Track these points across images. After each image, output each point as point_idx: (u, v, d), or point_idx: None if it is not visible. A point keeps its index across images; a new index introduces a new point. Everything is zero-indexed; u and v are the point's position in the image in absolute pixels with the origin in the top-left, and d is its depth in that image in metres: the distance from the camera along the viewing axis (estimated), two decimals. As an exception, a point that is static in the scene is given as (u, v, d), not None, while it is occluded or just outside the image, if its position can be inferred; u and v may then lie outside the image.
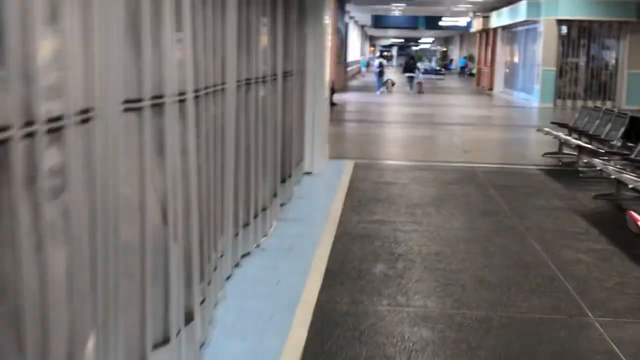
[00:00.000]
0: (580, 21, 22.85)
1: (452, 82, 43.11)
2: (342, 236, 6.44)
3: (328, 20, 9.92)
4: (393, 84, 30.44)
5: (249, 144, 5.65)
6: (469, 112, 21.32)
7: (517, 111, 22.34)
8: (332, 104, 21.55)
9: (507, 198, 8.30)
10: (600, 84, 23.43)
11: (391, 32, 64.06)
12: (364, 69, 52.32)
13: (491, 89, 32.30)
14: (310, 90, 9.22)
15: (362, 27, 55.68)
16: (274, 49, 6.64)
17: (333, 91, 22.16)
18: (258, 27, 5.73)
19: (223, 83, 4.66)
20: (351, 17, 42.50)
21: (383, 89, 29.40)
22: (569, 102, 23.34)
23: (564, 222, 7.26)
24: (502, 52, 30.93)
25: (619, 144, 9.71)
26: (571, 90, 23.57)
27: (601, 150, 9.71)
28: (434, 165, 10.68)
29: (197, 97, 3.90)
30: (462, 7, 34.41)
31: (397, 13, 37.60)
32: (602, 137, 10.13)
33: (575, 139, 11.11)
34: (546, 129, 12.02)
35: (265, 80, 6.11)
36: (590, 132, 10.65)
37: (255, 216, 5.89)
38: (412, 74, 29.98)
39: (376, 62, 34.35)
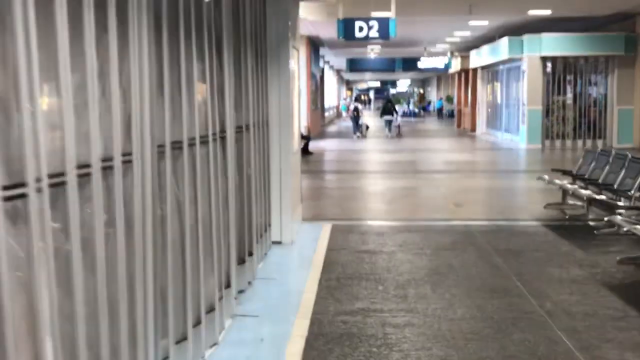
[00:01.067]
0: (566, 57, 21.82)
1: (431, 124, 42.13)
2: (315, 339, 4.94)
3: (295, 65, 8.59)
4: (367, 128, 29.95)
5: (183, 227, 4.19)
6: (453, 156, 20.05)
7: (504, 154, 21.11)
8: (308, 153, 20.27)
9: (515, 268, 6.87)
10: (589, 122, 22.31)
11: (368, 75, 63.47)
12: (345, 113, 51.33)
13: (473, 130, 31.21)
14: (275, 144, 7.81)
15: (338, 71, 54.93)
16: (221, 100, 5.23)
17: (309, 139, 20.88)
18: (191, 74, 4.32)
19: (127, 154, 3.22)
20: (326, 62, 41.59)
21: (358, 133, 28.91)
22: (557, 142, 22.18)
23: (593, 300, 5.82)
24: (483, 92, 29.92)
25: (637, 194, 8.36)
26: (559, 130, 22.41)
27: (618, 203, 8.35)
28: (423, 225, 9.25)
29: (61, 183, 2.44)
30: (439, 47, 33.54)
31: (372, 56, 36.67)
32: (615, 186, 8.77)
33: (582, 187, 9.77)
34: (546, 177, 10.67)
35: (205, 140, 4.68)
36: (600, 181, 9.30)
37: (197, 323, 4.39)
38: (390, 117, 29.26)
39: (352, 106, 34.00)
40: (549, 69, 22.07)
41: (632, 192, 8.28)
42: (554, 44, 21.49)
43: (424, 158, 19.63)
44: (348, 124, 37.73)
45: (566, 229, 8.92)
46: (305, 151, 20.30)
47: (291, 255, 7.59)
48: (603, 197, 8.81)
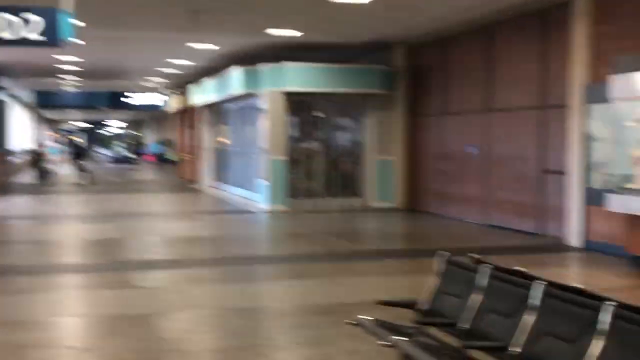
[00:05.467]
0: (314, 94, 17.16)
1: (147, 172, 35.78)
2: None
3: None
4: (52, 174, 27.17)
5: None
6: (173, 229, 14.10)
7: (243, 222, 15.68)
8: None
9: None
10: (343, 176, 17.85)
11: (74, 114, 55.21)
12: (55, 157, 42.48)
13: (196, 182, 25.60)
14: None
15: (35, 108, 46.07)
16: None
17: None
18: None
19: None
20: (12, 95, 33.28)
21: (41, 180, 26.21)
22: (306, 202, 17.31)
23: None
24: (209, 136, 24.48)
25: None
26: (307, 186, 17.64)
27: None
28: None
29: None
30: (153, 81, 27.62)
31: (69, 88, 29.51)
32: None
33: (450, 354, 4.44)
34: (366, 320, 5.17)
35: None
36: (495, 340, 4.02)
37: None
38: (81, 162, 26.86)
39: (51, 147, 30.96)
40: (294, 109, 17.25)
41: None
42: (301, 76, 16.73)
43: (132, 232, 13.41)
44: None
45: None
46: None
47: None
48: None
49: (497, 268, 4.64)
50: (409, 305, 5.20)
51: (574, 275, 9.67)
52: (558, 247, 11.26)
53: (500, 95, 13.69)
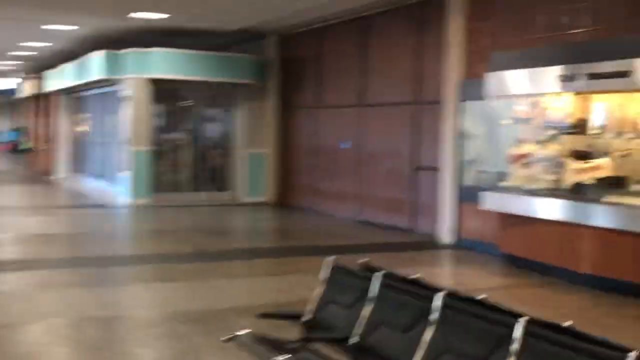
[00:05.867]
0: (182, 82, 16.27)
1: (-2, 162, 33.17)
2: None
3: None
4: None
5: None
6: (22, 225, 12.83)
7: (102, 217, 14.57)
8: None
9: None
10: (212, 169, 17.10)
11: None
12: None
13: (52, 173, 23.88)
14: None
15: None
16: None
17: None
18: None
19: None
20: None
21: None
22: (172, 196, 16.40)
23: None
24: (66, 124, 22.85)
25: None
26: (173, 179, 16.76)
27: None
28: None
29: None
30: (4, 64, 25.54)
31: None
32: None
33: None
34: (243, 336, 4.57)
35: None
36: (390, 357, 3.63)
37: None
38: None
39: None
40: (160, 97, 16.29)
41: None
42: (167, 62, 15.80)
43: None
44: None
45: None
46: None
47: None
48: None
49: (389, 275, 4.21)
50: (293, 317, 4.68)
51: (449, 274, 9.55)
52: (431, 244, 11.15)
53: (374, 89, 13.47)
